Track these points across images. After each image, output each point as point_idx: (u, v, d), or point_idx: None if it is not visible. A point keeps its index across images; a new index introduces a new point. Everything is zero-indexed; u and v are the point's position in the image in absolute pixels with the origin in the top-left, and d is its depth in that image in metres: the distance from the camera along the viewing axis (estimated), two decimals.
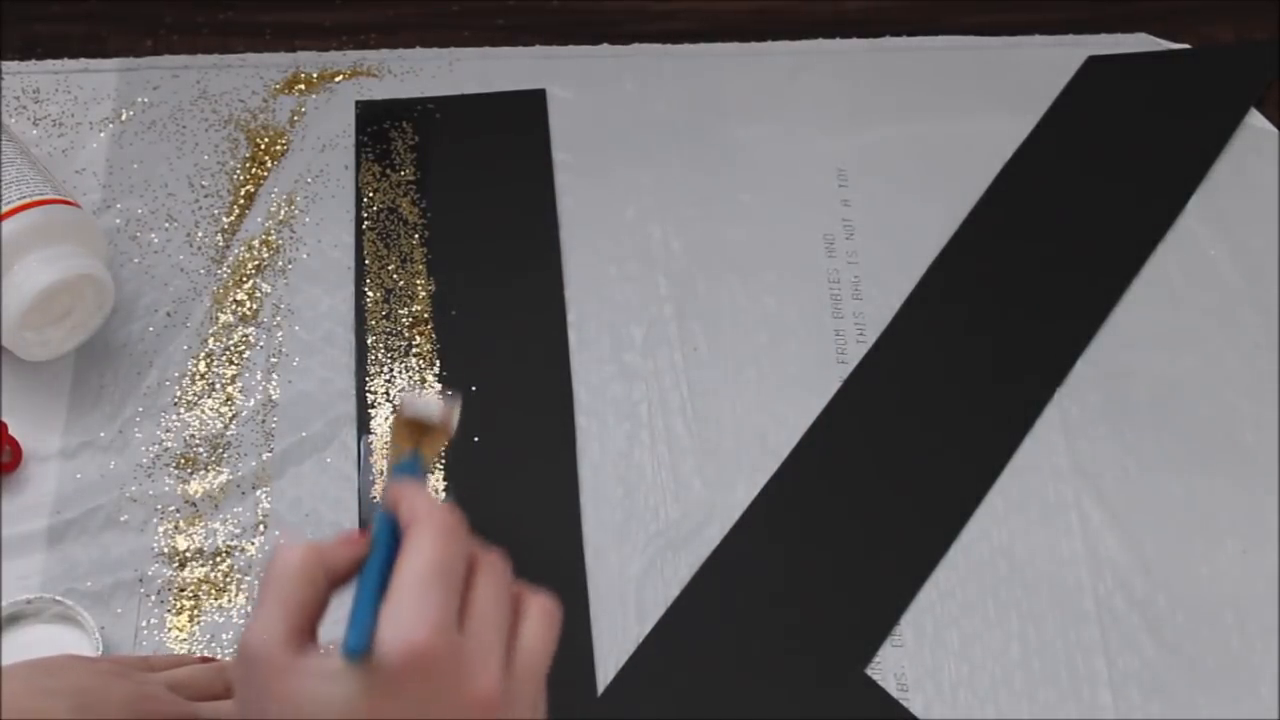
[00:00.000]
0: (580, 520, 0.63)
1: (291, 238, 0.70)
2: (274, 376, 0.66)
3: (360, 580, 0.38)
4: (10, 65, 0.75)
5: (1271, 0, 0.79)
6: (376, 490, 0.63)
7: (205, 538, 0.62)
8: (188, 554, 0.61)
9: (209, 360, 0.67)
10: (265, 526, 0.62)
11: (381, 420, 0.65)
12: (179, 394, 0.65)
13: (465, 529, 0.39)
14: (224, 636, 0.59)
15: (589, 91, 0.76)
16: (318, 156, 0.73)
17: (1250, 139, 0.75)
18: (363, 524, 0.62)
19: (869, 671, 0.59)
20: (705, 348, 0.68)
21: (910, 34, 0.79)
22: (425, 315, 0.68)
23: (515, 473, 0.64)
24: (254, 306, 0.68)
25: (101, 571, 0.61)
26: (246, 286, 0.69)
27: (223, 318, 0.68)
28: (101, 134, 0.73)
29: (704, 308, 0.69)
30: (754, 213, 0.72)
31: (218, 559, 0.61)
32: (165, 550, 0.61)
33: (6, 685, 0.46)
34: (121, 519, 0.62)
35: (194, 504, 0.63)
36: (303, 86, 0.75)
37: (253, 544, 0.62)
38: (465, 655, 0.37)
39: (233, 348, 0.67)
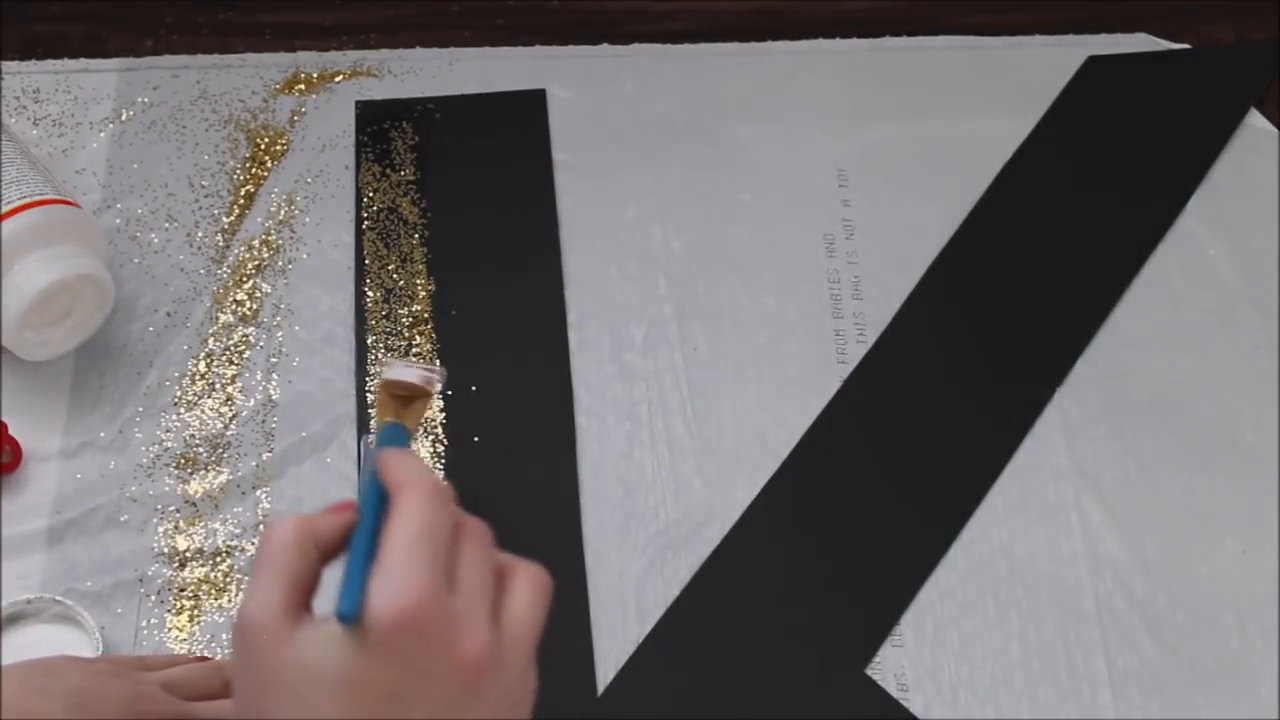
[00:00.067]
0: (580, 520, 0.63)
1: (291, 238, 0.70)
2: (274, 376, 0.66)
3: (350, 547, 0.39)
4: (10, 65, 0.75)
5: (1271, 0, 0.79)
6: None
7: (205, 538, 0.62)
8: (188, 554, 0.61)
9: (209, 360, 0.67)
10: (265, 526, 0.62)
11: None
12: (179, 394, 0.65)
13: (450, 494, 0.39)
14: (224, 636, 0.59)
15: (589, 91, 0.76)
16: (318, 156, 0.73)
17: (1250, 139, 0.75)
18: None
19: (869, 671, 0.59)
20: (705, 348, 0.68)
21: (910, 34, 0.79)
22: (425, 315, 0.68)
23: (515, 473, 0.64)
24: (254, 306, 0.68)
25: (101, 571, 0.61)
26: (246, 286, 0.69)
27: (223, 318, 0.68)
28: (101, 134, 0.73)
29: (704, 308, 0.69)
30: (754, 213, 0.72)
31: (218, 559, 0.61)
32: (165, 550, 0.61)
33: (3, 685, 0.46)
34: (121, 519, 0.62)
35: (194, 504, 0.63)
36: (303, 86, 0.75)
37: (253, 544, 0.62)
38: (455, 616, 0.37)
39: (233, 348, 0.67)
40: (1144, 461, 0.65)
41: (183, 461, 0.64)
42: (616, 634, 0.60)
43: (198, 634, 0.59)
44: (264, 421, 0.65)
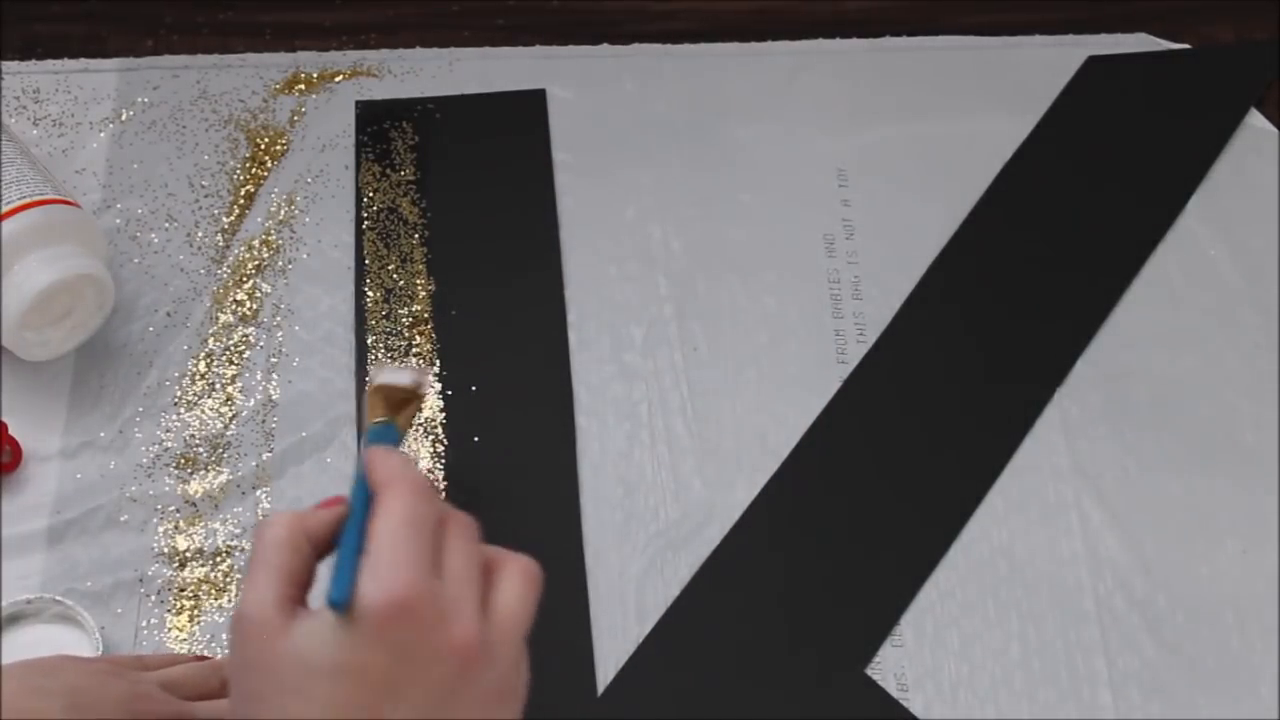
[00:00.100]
0: (580, 520, 0.63)
1: (291, 238, 0.70)
2: (274, 376, 0.66)
3: (340, 540, 0.40)
4: (10, 65, 0.75)
5: (1271, 0, 0.79)
6: None
7: (205, 538, 0.62)
8: (188, 554, 0.61)
9: (209, 360, 0.67)
10: (258, 525, 0.62)
11: None
12: (179, 394, 0.65)
13: (434, 489, 0.41)
14: (224, 636, 0.59)
15: (589, 91, 0.76)
16: (318, 156, 0.73)
17: (1250, 139, 0.75)
18: None
19: (869, 671, 0.59)
20: (705, 348, 0.68)
21: (910, 34, 0.79)
22: (425, 315, 0.68)
23: (515, 473, 0.64)
24: (254, 306, 0.68)
25: (101, 571, 0.61)
26: (246, 286, 0.69)
27: (223, 318, 0.68)
28: (101, 134, 0.73)
29: (704, 308, 0.69)
30: (754, 213, 0.72)
31: (218, 559, 0.61)
32: (165, 550, 0.61)
33: (2, 685, 0.46)
34: (121, 519, 0.62)
35: (194, 504, 0.63)
36: (303, 86, 0.75)
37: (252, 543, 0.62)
38: (443, 603, 0.38)
39: (233, 348, 0.67)
40: (1144, 461, 0.65)
41: (183, 461, 0.64)
42: (616, 634, 0.60)
43: (198, 634, 0.59)
44: (264, 421, 0.65)
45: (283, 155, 0.73)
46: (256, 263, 0.69)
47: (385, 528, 0.38)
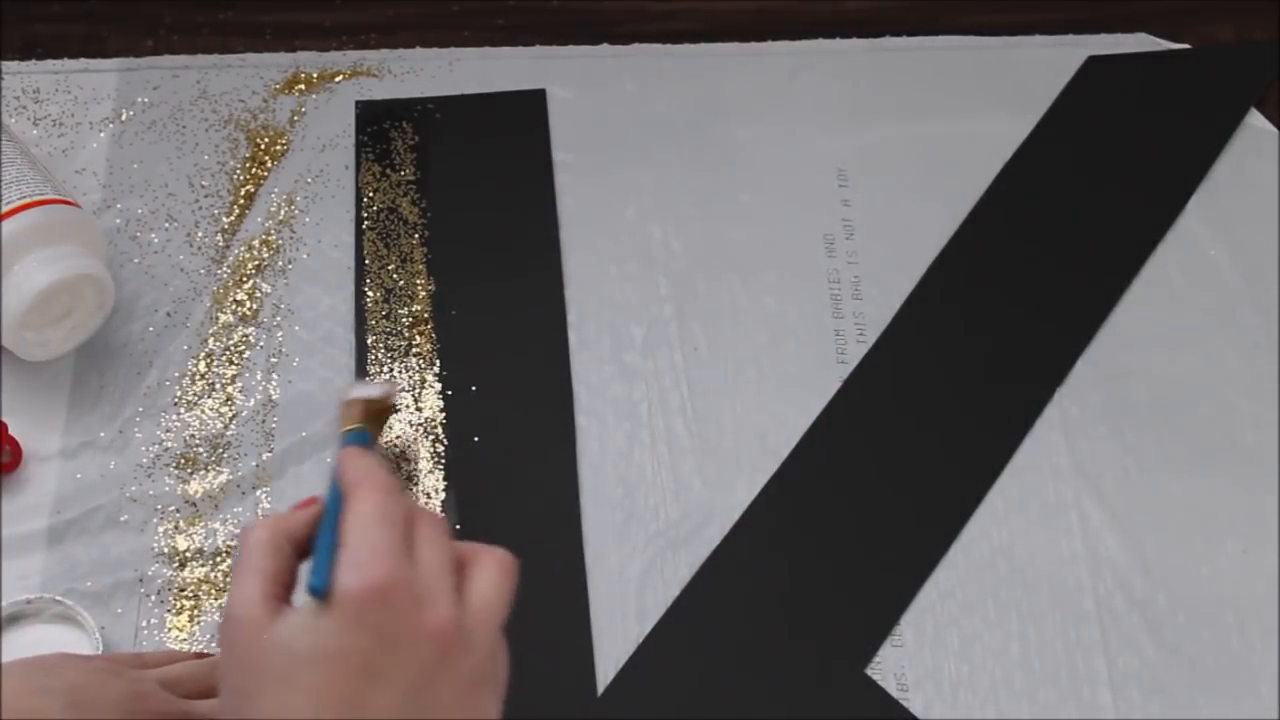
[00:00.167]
0: (580, 520, 0.63)
1: (291, 238, 0.70)
2: (274, 376, 0.66)
3: (318, 535, 0.42)
4: (10, 65, 0.75)
5: (1271, 0, 0.79)
6: None
7: (205, 538, 0.62)
8: (188, 554, 0.61)
9: (209, 360, 0.67)
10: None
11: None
12: (179, 394, 0.65)
13: (400, 488, 0.43)
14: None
15: (589, 91, 0.76)
16: (318, 156, 0.73)
17: (1250, 139, 0.75)
18: None
19: (869, 671, 0.59)
20: (705, 348, 0.68)
21: (910, 34, 0.79)
22: (425, 315, 0.68)
23: (515, 473, 0.64)
24: (254, 306, 0.68)
25: (101, 571, 0.61)
26: (246, 286, 0.69)
27: (223, 318, 0.68)
28: (101, 134, 0.73)
29: (704, 308, 0.69)
30: (754, 213, 0.72)
31: (218, 559, 0.61)
32: (165, 550, 0.61)
33: (3, 684, 0.46)
34: (121, 519, 0.62)
35: (194, 504, 0.63)
36: (303, 86, 0.75)
37: None
38: (418, 589, 0.39)
39: (233, 348, 0.67)
40: (1144, 461, 0.65)
41: (183, 461, 0.64)
42: (616, 634, 0.60)
43: (198, 634, 0.59)
44: (264, 421, 0.65)
45: (283, 155, 0.73)
46: (256, 263, 0.69)
47: (357, 523, 0.40)
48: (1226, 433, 0.66)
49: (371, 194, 0.72)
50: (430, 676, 0.39)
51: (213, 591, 0.61)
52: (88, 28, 0.77)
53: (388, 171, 0.72)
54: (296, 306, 0.68)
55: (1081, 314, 0.69)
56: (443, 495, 0.63)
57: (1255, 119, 0.76)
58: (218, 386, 0.66)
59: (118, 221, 0.70)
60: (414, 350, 0.67)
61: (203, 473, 0.63)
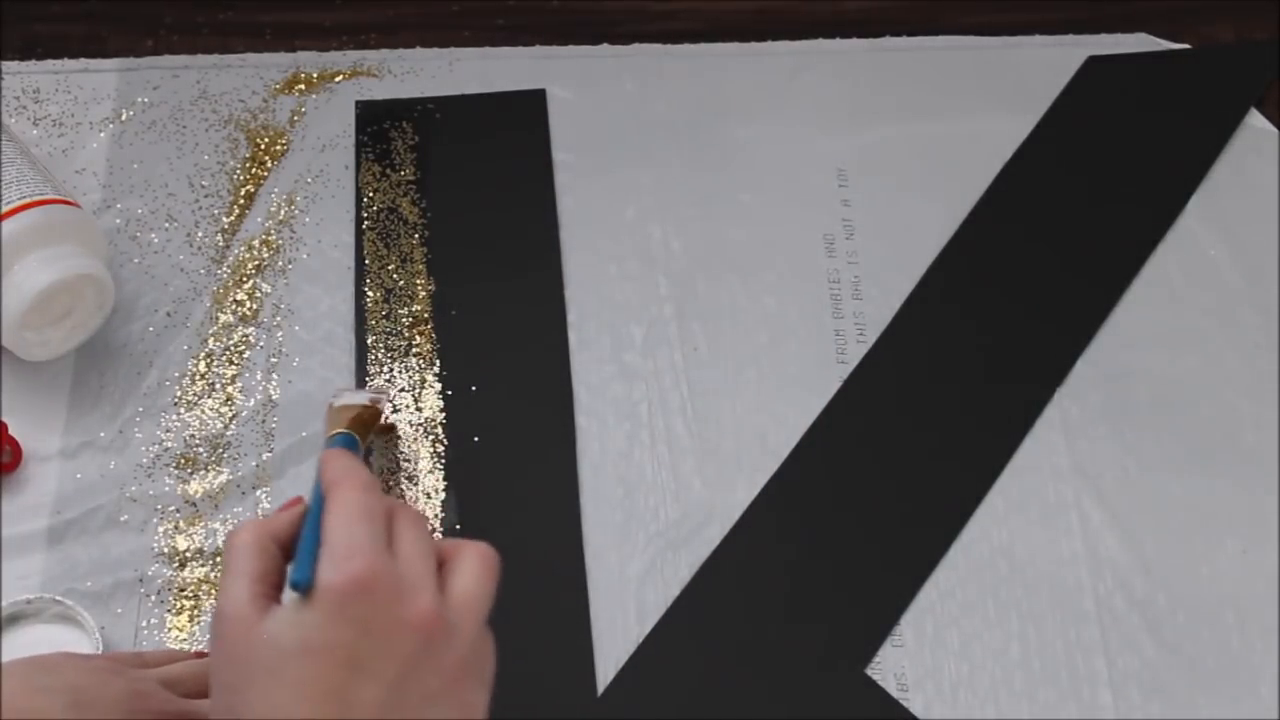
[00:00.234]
0: (580, 520, 0.63)
1: (291, 238, 0.70)
2: (274, 376, 0.66)
3: (302, 533, 0.43)
4: (10, 65, 0.75)
5: (1271, 0, 0.79)
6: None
7: (205, 538, 0.62)
8: (188, 554, 0.61)
9: (209, 360, 0.67)
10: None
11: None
12: (179, 394, 0.65)
13: (379, 485, 0.44)
14: None
15: (589, 91, 0.76)
16: (318, 156, 0.73)
17: (1250, 139, 0.75)
18: None
19: (869, 671, 0.59)
20: (705, 348, 0.68)
21: (910, 34, 0.79)
22: (425, 315, 0.68)
23: (515, 473, 0.64)
24: (254, 306, 0.68)
25: (101, 571, 0.61)
26: (246, 286, 0.69)
27: (223, 318, 0.68)
28: (101, 134, 0.73)
29: (704, 308, 0.69)
30: (754, 213, 0.72)
31: (218, 559, 0.61)
32: (165, 550, 0.61)
33: (3, 684, 0.46)
34: (121, 519, 0.62)
35: (194, 504, 0.63)
36: (303, 86, 0.75)
37: None
38: (400, 581, 0.40)
39: (233, 348, 0.67)
40: (1144, 461, 0.65)
41: (183, 461, 0.64)
42: (616, 634, 0.60)
43: (198, 634, 0.59)
44: (264, 421, 0.65)
45: (283, 155, 0.73)
46: (256, 263, 0.69)
47: (338, 519, 0.41)
48: (1227, 433, 0.66)
49: (371, 194, 0.72)
50: (414, 667, 0.40)
51: (212, 592, 0.60)
52: (88, 28, 0.77)
53: (388, 171, 0.72)
54: (296, 306, 0.68)
55: (1081, 314, 0.69)
56: (443, 495, 0.63)
57: (1255, 119, 0.76)
58: (218, 386, 0.66)
59: (118, 221, 0.70)
60: (414, 350, 0.67)
61: (203, 473, 0.63)
